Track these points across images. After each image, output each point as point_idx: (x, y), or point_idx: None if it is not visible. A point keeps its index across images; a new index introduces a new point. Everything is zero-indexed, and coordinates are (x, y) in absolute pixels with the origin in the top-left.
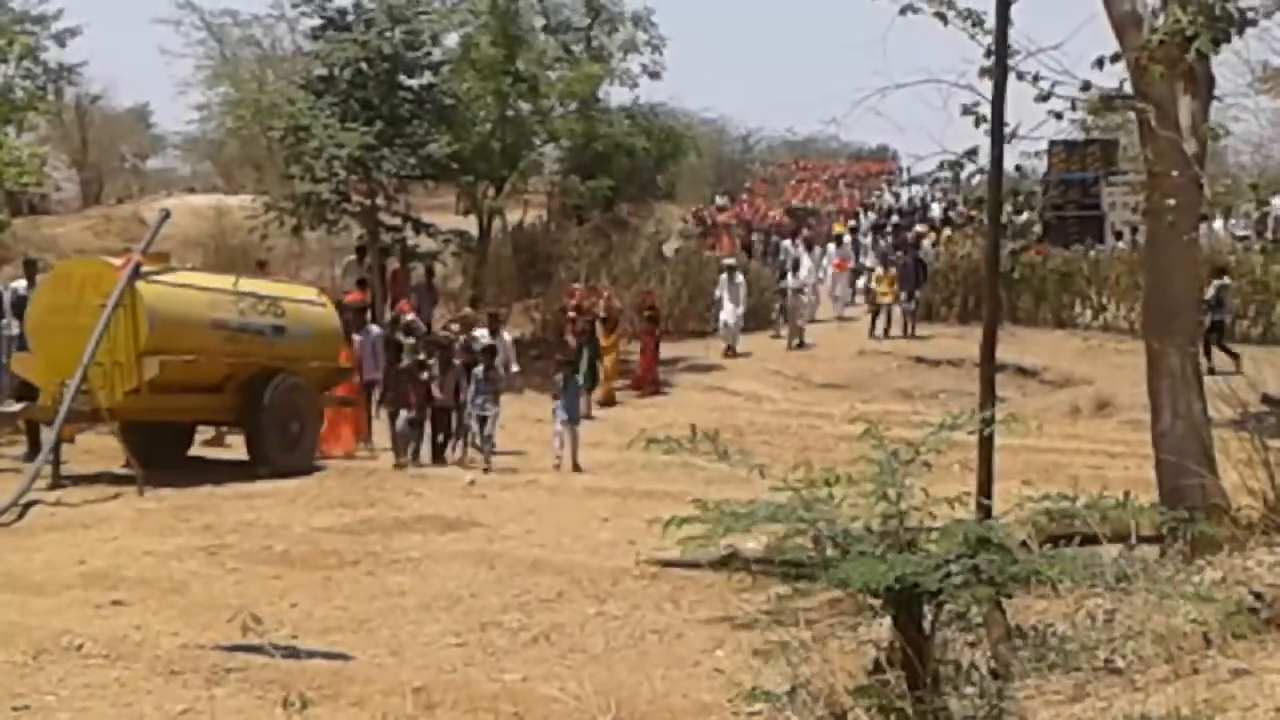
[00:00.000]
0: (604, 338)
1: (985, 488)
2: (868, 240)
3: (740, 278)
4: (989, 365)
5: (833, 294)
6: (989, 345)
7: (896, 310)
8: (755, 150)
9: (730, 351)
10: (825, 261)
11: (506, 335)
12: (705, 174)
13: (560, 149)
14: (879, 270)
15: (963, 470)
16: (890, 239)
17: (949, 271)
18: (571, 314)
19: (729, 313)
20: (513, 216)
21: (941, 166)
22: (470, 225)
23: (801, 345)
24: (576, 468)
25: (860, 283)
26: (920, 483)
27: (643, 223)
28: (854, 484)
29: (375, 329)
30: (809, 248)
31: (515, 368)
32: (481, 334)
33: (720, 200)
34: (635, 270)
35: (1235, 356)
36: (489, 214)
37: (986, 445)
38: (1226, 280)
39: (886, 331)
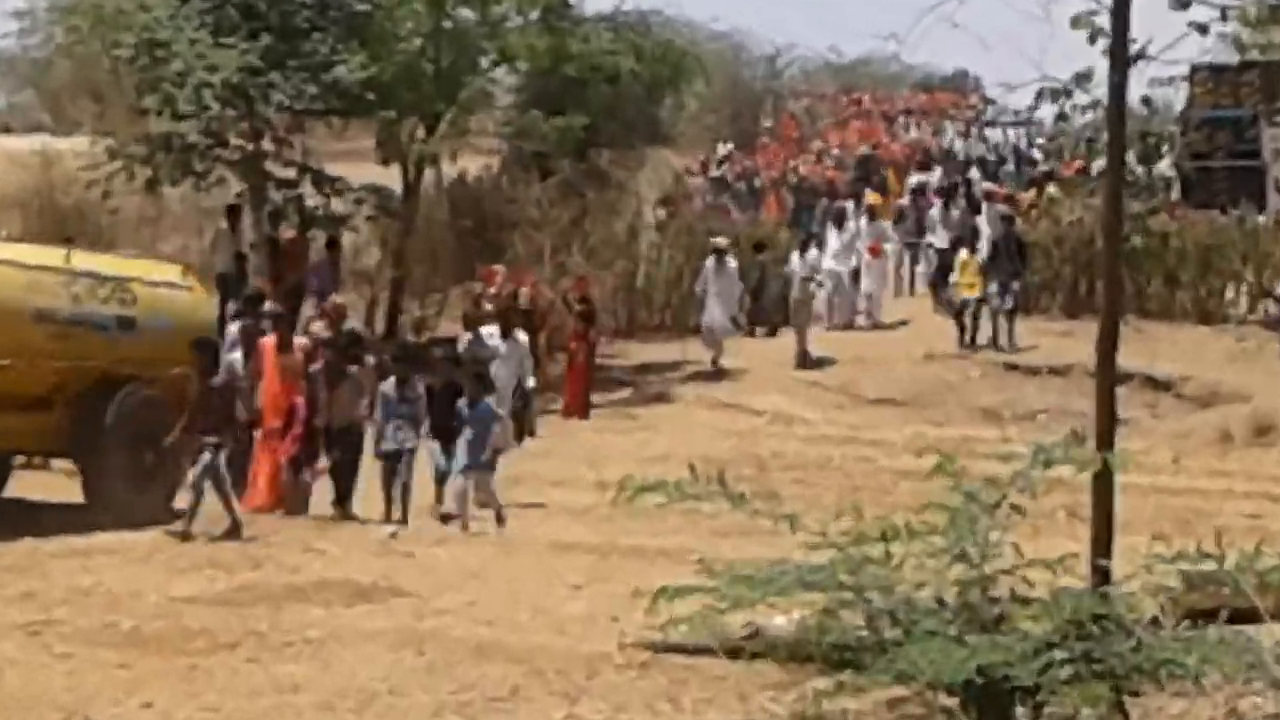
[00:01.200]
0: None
1: (1102, 544)
2: (935, 209)
3: (732, 263)
4: (1108, 375)
5: (865, 290)
6: (1108, 347)
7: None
8: (785, 76)
9: (716, 365)
10: (860, 243)
11: (522, 336)
12: (717, 109)
13: (517, 74)
14: (963, 254)
15: (1071, 520)
16: (964, 205)
17: (1052, 245)
18: (487, 305)
19: (715, 313)
20: (451, 167)
21: (1040, 99)
22: (392, 179)
23: (808, 362)
24: (500, 519)
25: (920, 269)
26: (1012, 537)
27: (630, 176)
28: (920, 539)
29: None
30: (871, 217)
31: (531, 382)
32: (490, 332)
33: (723, 149)
34: (620, 241)
35: None
36: (418, 163)
37: (1104, 486)
38: None
39: (974, 340)
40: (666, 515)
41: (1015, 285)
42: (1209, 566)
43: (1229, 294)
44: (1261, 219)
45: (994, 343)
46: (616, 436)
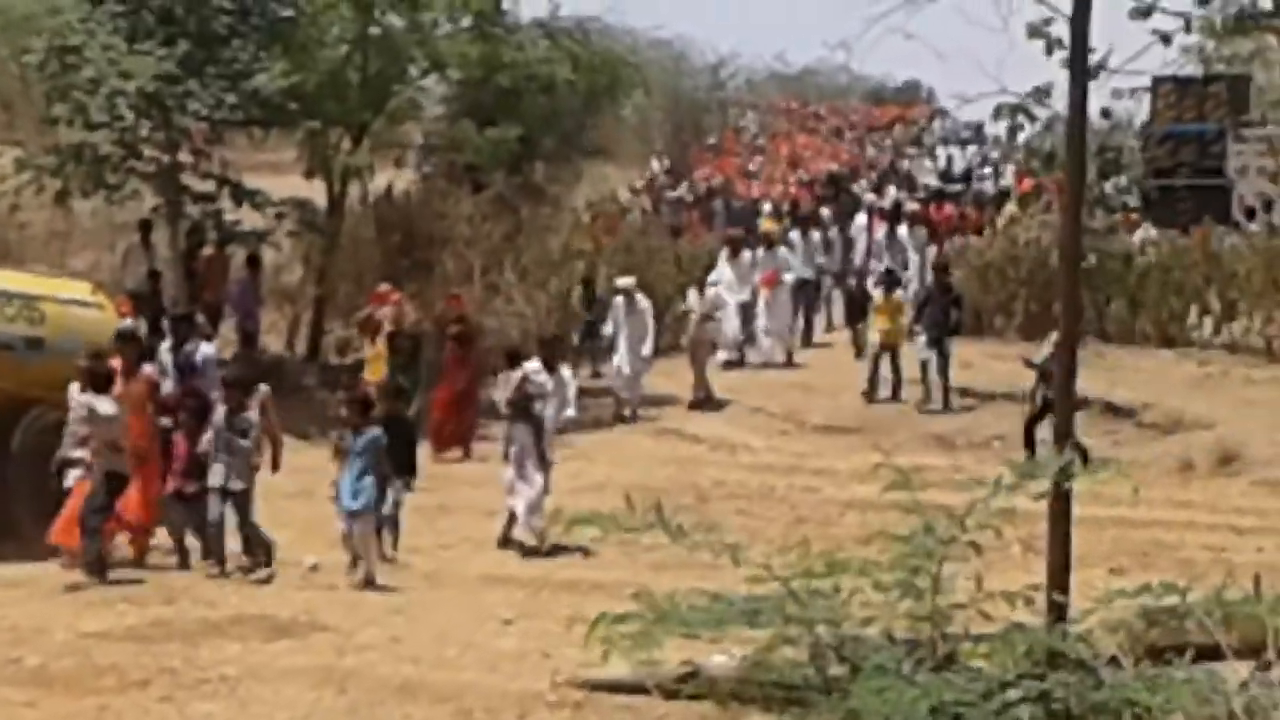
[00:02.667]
0: (373, 365)
1: (1059, 578)
2: (879, 235)
3: (644, 303)
4: (1066, 401)
5: (763, 327)
6: (1066, 372)
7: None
8: (729, 86)
9: (624, 417)
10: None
11: (566, 371)
12: (657, 120)
13: (448, 83)
14: (877, 294)
15: (1026, 553)
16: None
17: (1008, 266)
18: (389, 328)
19: (626, 358)
20: (379, 180)
21: (999, 114)
22: (316, 192)
23: (709, 402)
24: (369, 581)
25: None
26: (966, 570)
27: (566, 190)
28: (869, 572)
29: (207, 349)
30: (768, 245)
31: (571, 412)
32: (533, 367)
33: (657, 165)
34: (555, 259)
35: None
36: (343, 176)
37: (1061, 517)
38: None
39: (896, 392)
40: (602, 547)
41: (948, 342)
42: (1172, 601)
43: (1193, 318)
44: (1228, 236)
45: (925, 400)
46: None
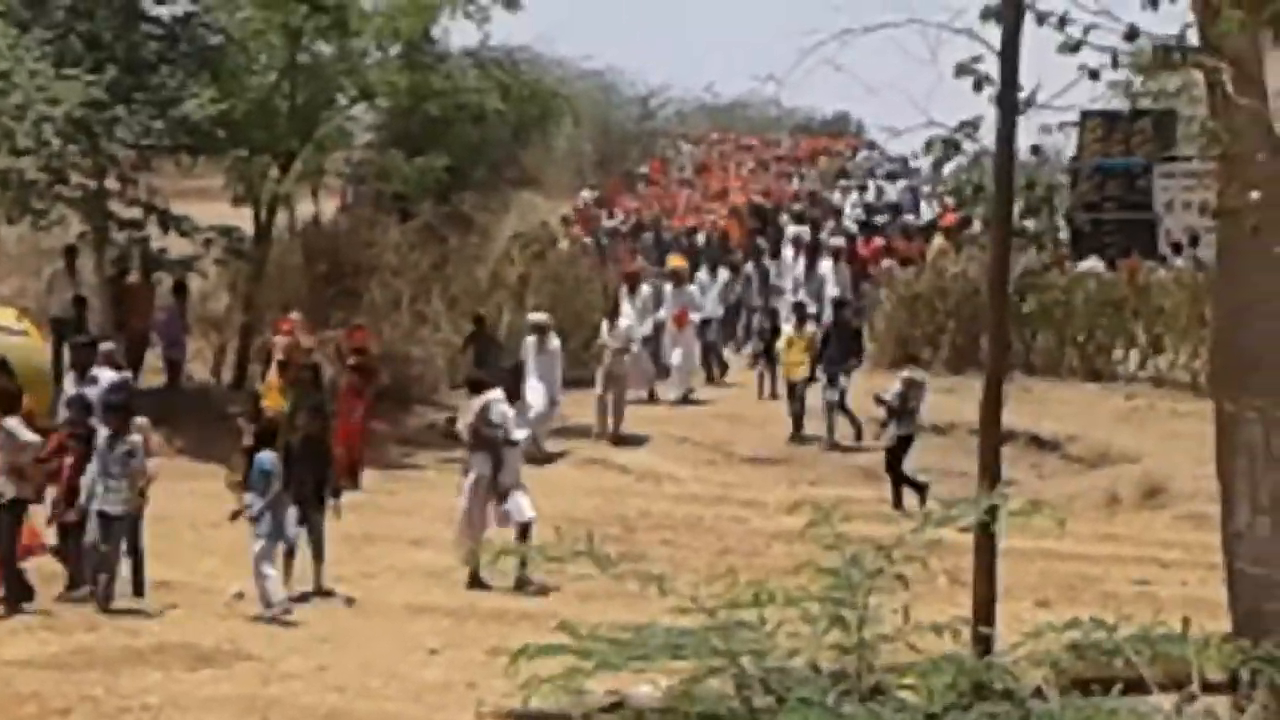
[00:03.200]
0: (269, 394)
1: (985, 610)
2: (789, 265)
3: (555, 343)
4: (992, 433)
5: (674, 363)
6: (992, 405)
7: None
8: (659, 117)
9: (535, 458)
10: (665, 310)
11: (534, 398)
12: (586, 151)
13: (377, 111)
14: (788, 329)
15: (953, 585)
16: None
17: (935, 298)
18: (279, 358)
19: (536, 398)
20: (306, 208)
21: (929, 148)
22: (244, 220)
23: (619, 439)
24: (272, 614)
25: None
26: (893, 603)
27: (494, 220)
28: (795, 603)
29: (107, 375)
30: (676, 282)
31: (521, 433)
32: (496, 395)
33: (587, 194)
34: (483, 289)
35: None
36: (271, 204)
37: (987, 550)
38: None
39: (798, 426)
40: (530, 576)
41: (843, 379)
42: (1098, 635)
43: (1118, 352)
44: (1154, 270)
45: (829, 438)
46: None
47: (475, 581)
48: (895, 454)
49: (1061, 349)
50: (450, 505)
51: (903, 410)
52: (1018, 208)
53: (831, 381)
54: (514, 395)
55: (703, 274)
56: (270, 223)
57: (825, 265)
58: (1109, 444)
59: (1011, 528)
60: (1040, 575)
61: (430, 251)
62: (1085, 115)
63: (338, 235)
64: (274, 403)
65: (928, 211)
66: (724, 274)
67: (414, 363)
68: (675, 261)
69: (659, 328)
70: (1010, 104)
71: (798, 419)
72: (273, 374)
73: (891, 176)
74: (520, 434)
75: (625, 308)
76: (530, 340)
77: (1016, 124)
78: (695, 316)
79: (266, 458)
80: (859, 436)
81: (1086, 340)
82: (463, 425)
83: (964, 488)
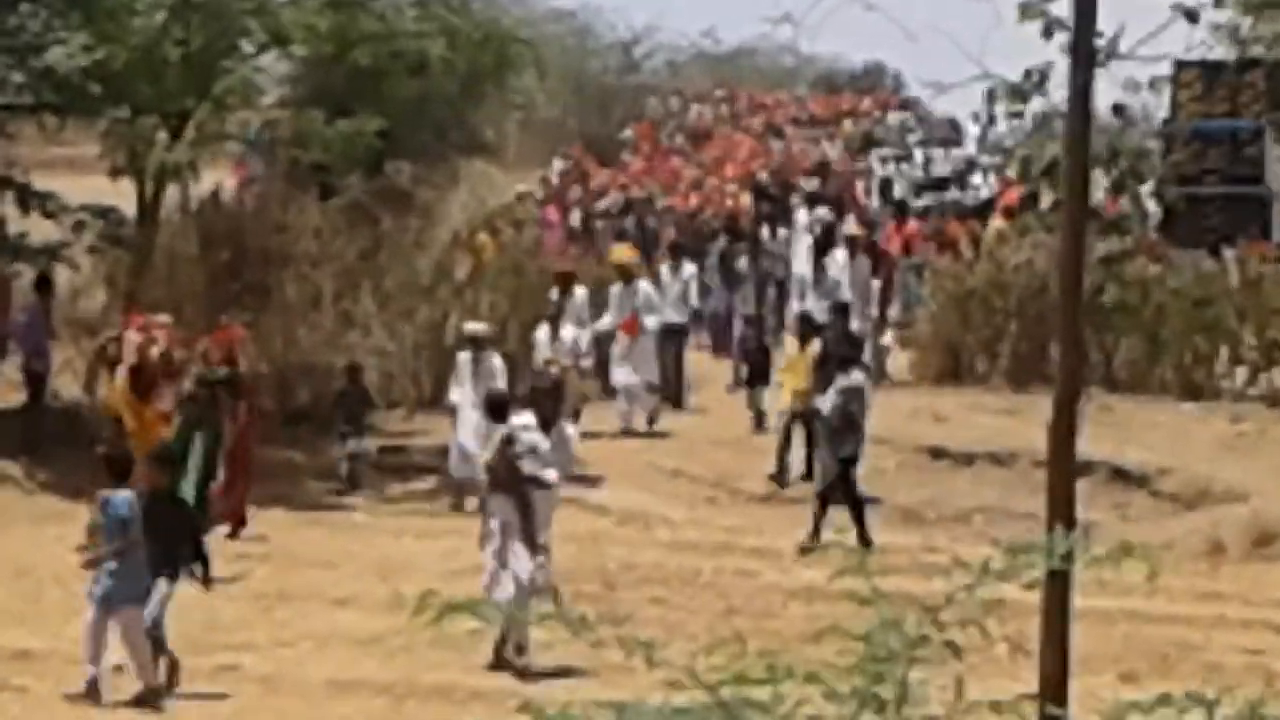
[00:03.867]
0: (134, 413)
1: (1056, 686)
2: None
3: (496, 360)
4: (1065, 465)
5: (619, 383)
6: (1065, 429)
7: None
8: (646, 69)
9: (459, 506)
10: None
11: (570, 428)
12: (555, 110)
13: (291, 61)
14: (789, 343)
15: (1016, 655)
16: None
17: (993, 295)
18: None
19: (469, 430)
20: (203, 183)
21: (991, 100)
22: (125, 197)
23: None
24: (150, 695)
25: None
26: (941, 677)
27: (439, 197)
28: (817, 678)
29: None
30: (626, 279)
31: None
32: (522, 422)
33: (559, 165)
34: (425, 283)
35: None
36: (159, 177)
37: (1058, 611)
38: None
39: (810, 469)
40: (482, 646)
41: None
42: (1197, 716)
43: (1222, 363)
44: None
45: (825, 502)
46: (416, 541)
47: (500, 661)
48: (842, 480)
49: (1151, 359)
50: (384, 555)
51: (844, 426)
52: (1096, 182)
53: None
54: (549, 421)
55: (664, 270)
56: (158, 201)
57: (839, 259)
58: (1210, 478)
59: (1089, 583)
60: (1125, 642)
61: (359, 236)
62: (1180, 67)
63: (242, 216)
64: (113, 412)
65: (984, 187)
66: (689, 269)
67: (339, 376)
68: (621, 254)
69: (601, 340)
70: (1087, 53)
71: (783, 461)
72: (121, 380)
73: (945, 144)
74: (551, 475)
75: (578, 305)
76: (463, 357)
77: (1094, 78)
78: (651, 321)
79: (121, 499)
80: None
81: (1182, 349)
82: (481, 460)
83: (1029, 532)
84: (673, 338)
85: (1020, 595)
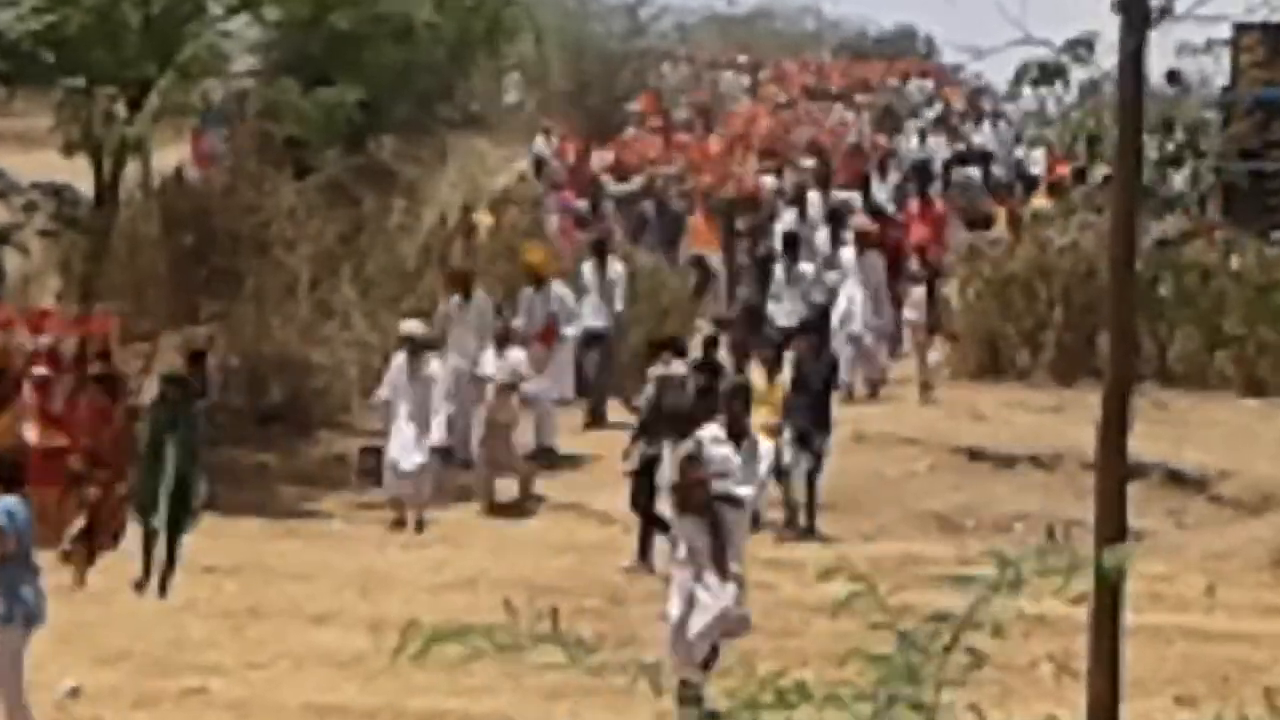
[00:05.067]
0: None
1: (1106, 710)
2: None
3: (434, 366)
4: (1115, 467)
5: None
6: (1115, 428)
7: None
8: (653, 33)
9: (418, 526)
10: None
11: (764, 443)
12: (554, 80)
13: (264, 25)
14: (755, 373)
15: (1061, 676)
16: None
17: (1036, 280)
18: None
19: (406, 442)
20: (166, 160)
21: (1023, 75)
22: (80, 175)
23: (517, 510)
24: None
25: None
26: (976, 697)
27: (425, 175)
28: (837, 702)
29: None
30: (537, 284)
31: (747, 491)
32: (710, 434)
33: (543, 143)
34: (409, 268)
35: None
36: (118, 153)
37: (1108, 628)
38: None
39: (791, 521)
40: (474, 667)
41: (821, 437)
42: None
43: None
44: None
45: (792, 520)
46: (401, 552)
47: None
48: (646, 483)
49: (1210, 351)
50: (364, 568)
51: (655, 421)
52: (1149, 156)
53: (802, 442)
54: (740, 433)
55: (587, 269)
56: (117, 179)
57: (845, 257)
58: (1275, 482)
59: (1141, 597)
60: (1181, 662)
61: (337, 218)
62: (1241, 29)
63: (210, 196)
64: None
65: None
66: (618, 268)
67: (316, 372)
68: (534, 253)
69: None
70: (1139, 13)
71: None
72: None
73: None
74: (746, 491)
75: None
76: (398, 362)
77: (1147, 41)
78: (569, 330)
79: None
80: (810, 528)
81: (1244, 340)
82: (665, 481)
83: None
84: (595, 345)
85: (1066, 610)
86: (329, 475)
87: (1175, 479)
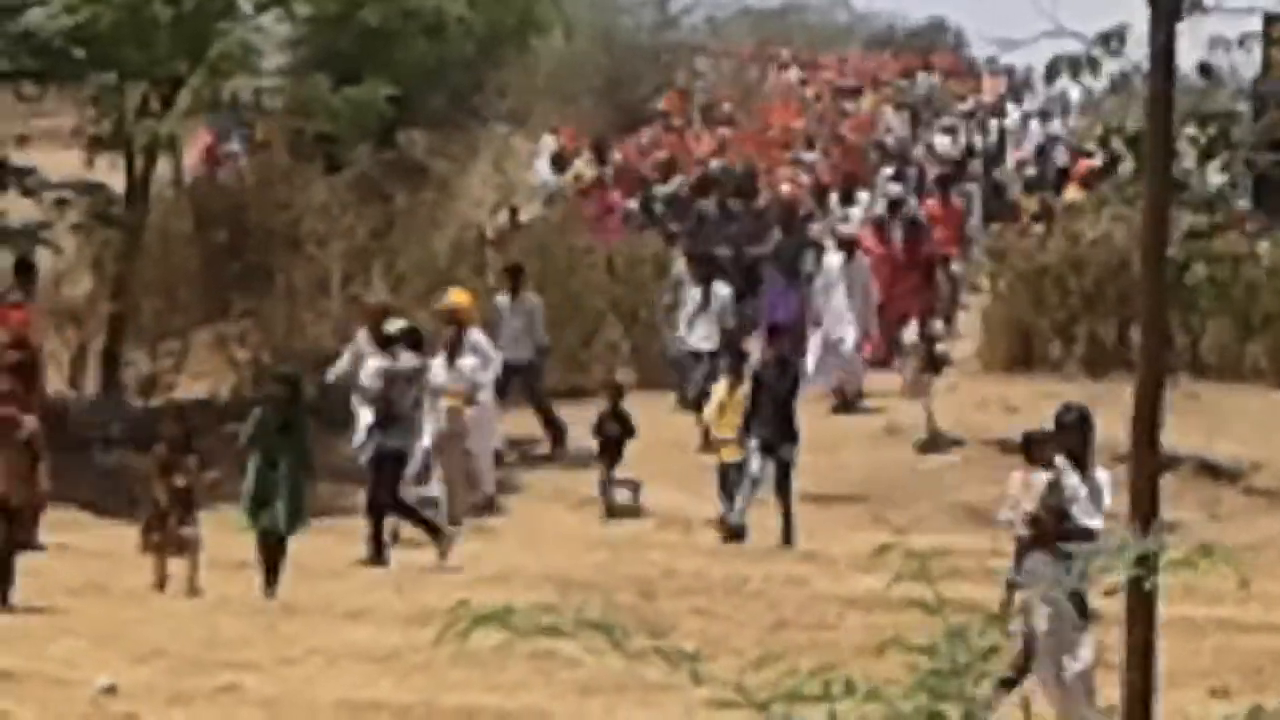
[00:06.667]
0: None
1: (1141, 701)
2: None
3: (407, 358)
4: (1147, 459)
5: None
6: (1147, 420)
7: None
8: (684, 27)
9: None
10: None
11: (1104, 474)
12: (586, 73)
13: (294, 23)
14: (720, 383)
15: (1096, 668)
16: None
17: (1068, 273)
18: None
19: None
20: (194, 157)
21: (1054, 69)
22: (112, 173)
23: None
24: None
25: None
26: (1014, 692)
27: (457, 170)
28: (877, 697)
29: None
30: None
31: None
32: (1063, 463)
33: (551, 140)
34: (441, 264)
35: None
36: (149, 150)
37: (1142, 620)
38: None
39: (739, 535)
40: (508, 662)
41: (789, 447)
42: None
43: None
44: None
45: (785, 539)
46: (435, 548)
47: None
48: (384, 480)
49: (1243, 342)
50: (399, 564)
51: (388, 413)
52: (1183, 149)
53: (766, 451)
54: (1083, 463)
55: (503, 300)
56: (148, 176)
57: (833, 263)
58: None
59: (1175, 589)
60: (1216, 654)
61: (369, 213)
62: (1272, 21)
63: (242, 193)
64: None
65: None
66: (533, 299)
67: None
68: (456, 297)
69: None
70: (1169, 5)
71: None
72: None
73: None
74: (1096, 522)
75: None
76: (371, 365)
77: (1177, 32)
78: (484, 395)
79: None
80: (788, 538)
81: (1277, 331)
82: (1010, 514)
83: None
84: (520, 375)
85: (1101, 603)
86: (360, 472)
87: (1208, 470)
